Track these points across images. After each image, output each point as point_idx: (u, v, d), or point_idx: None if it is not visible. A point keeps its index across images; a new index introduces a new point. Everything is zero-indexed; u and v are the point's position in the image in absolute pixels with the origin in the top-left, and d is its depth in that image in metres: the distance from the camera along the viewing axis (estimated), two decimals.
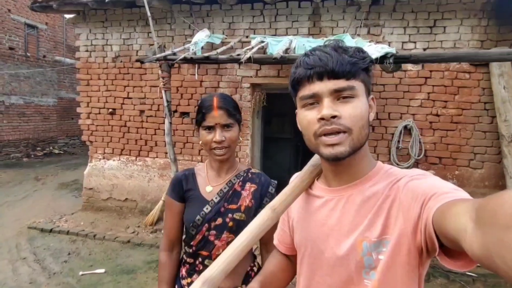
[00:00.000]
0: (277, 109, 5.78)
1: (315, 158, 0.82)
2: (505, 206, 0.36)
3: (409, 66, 3.87)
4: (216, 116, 1.10)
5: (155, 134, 4.67)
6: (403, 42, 3.92)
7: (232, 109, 1.13)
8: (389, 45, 3.81)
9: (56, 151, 10.44)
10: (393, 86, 3.96)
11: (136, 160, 4.78)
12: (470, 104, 3.83)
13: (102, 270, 3.27)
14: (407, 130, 3.94)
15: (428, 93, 3.90)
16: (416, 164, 3.97)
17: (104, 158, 4.90)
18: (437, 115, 3.90)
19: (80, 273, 3.22)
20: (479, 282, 3.12)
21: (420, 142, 3.90)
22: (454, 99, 3.85)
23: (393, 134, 3.98)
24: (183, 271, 1.20)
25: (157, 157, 4.69)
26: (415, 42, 3.89)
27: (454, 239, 0.46)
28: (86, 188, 4.96)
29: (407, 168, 3.91)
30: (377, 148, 4.07)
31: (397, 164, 3.93)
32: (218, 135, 1.10)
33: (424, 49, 3.86)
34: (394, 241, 0.63)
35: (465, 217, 0.44)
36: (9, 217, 4.77)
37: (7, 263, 3.44)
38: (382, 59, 2.69)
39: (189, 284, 1.16)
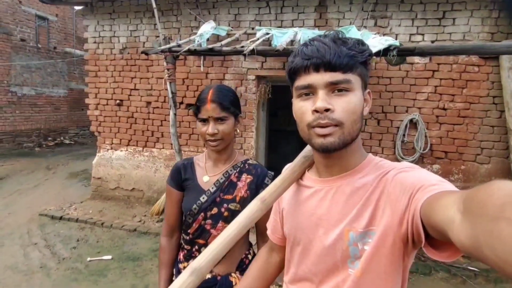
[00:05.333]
0: (283, 102, 5.76)
1: (307, 149, 0.83)
2: (493, 197, 0.36)
3: (416, 59, 3.81)
4: (209, 109, 1.11)
5: (161, 125, 4.73)
6: (410, 34, 3.85)
7: (226, 102, 1.13)
8: (396, 37, 3.76)
9: (67, 141, 10.64)
10: (399, 79, 3.92)
11: (143, 150, 4.86)
12: (478, 98, 3.76)
13: (109, 257, 3.38)
14: (413, 123, 3.90)
15: (435, 86, 3.84)
16: (421, 158, 3.95)
17: (112, 148, 5.00)
18: (444, 108, 3.85)
19: (88, 259, 3.33)
20: (481, 277, 3.11)
21: (425, 136, 3.86)
22: (462, 93, 3.79)
23: (398, 127, 3.95)
24: (181, 256, 1.26)
25: (163, 148, 4.76)
26: (423, 34, 3.82)
27: (442, 230, 0.47)
28: (95, 177, 5.07)
29: (412, 162, 3.89)
30: (382, 142, 4.05)
31: (402, 158, 3.91)
32: (210, 128, 1.12)
33: (432, 42, 3.79)
34: (380, 232, 0.64)
35: (453, 208, 0.44)
36: (21, 204, 4.93)
37: (19, 248, 3.58)
38: (386, 51, 2.66)
39: (185, 267, 1.21)
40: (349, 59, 0.66)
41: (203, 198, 1.17)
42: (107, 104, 4.94)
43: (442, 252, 0.55)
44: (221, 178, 1.19)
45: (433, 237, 0.54)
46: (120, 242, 3.74)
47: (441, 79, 3.82)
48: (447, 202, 0.48)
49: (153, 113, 4.75)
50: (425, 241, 0.56)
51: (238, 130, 1.21)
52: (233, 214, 1.13)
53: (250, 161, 1.25)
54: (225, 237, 0.72)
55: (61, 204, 4.86)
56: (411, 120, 3.89)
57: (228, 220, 1.14)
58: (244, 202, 1.15)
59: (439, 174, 4.00)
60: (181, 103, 4.55)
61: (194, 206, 1.16)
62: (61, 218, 4.36)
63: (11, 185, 5.87)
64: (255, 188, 1.18)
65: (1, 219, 4.34)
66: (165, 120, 4.67)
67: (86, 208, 4.72)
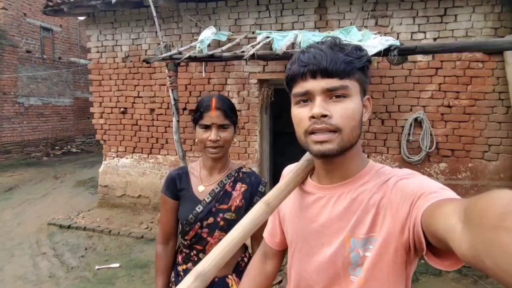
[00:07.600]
0: (287, 104, 5.75)
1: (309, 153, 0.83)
2: (493, 207, 0.36)
3: (418, 57, 3.78)
4: (213, 116, 1.14)
5: (165, 132, 4.76)
6: (412, 33, 3.82)
7: (229, 110, 1.16)
8: (397, 36, 3.74)
9: (74, 150, 10.77)
10: (402, 78, 3.88)
11: (148, 157, 4.89)
12: (483, 94, 3.71)
13: (117, 265, 3.40)
14: (418, 122, 3.86)
15: (439, 84, 3.80)
16: (427, 157, 3.90)
17: (117, 156, 5.04)
18: (449, 106, 3.80)
19: (96, 267, 3.35)
20: None
21: (431, 135, 3.82)
22: (467, 90, 3.75)
23: (403, 127, 3.91)
24: (179, 258, 1.27)
25: (168, 154, 4.78)
26: (424, 32, 3.78)
27: (442, 238, 0.47)
28: (101, 185, 5.11)
29: (418, 161, 3.86)
30: (387, 142, 4.02)
31: (408, 158, 3.87)
32: (213, 134, 1.14)
33: (435, 39, 3.75)
34: (381, 240, 0.64)
35: (453, 217, 0.44)
36: (30, 214, 4.99)
37: (28, 258, 3.62)
38: (387, 51, 2.64)
39: (184, 270, 1.23)
40: (346, 66, 0.66)
41: (199, 208, 1.18)
42: (111, 112, 4.99)
43: (444, 260, 0.54)
44: (216, 188, 1.20)
45: (434, 245, 0.53)
46: (128, 250, 3.76)
47: (445, 76, 3.78)
48: (448, 210, 0.47)
49: (157, 120, 4.78)
50: (427, 249, 0.55)
51: (235, 140, 1.22)
52: (229, 223, 1.14)
53: (243, 169, 1.27)
54: (230, 240, 0.71)
55: (69, 213, 4.91)
56: (415, 119, 3.85)
57: (224, 229, 1.15)
58: (239, 212, 1.16)
59: (446, 173, 3.94)
60: (184, 109, 4.57)
61: (190, 216, 1.18)
62: (69, 227, 4.40)
63: (20, 195, 5.94)
64: (250, 197, 1.20)
65: (11, 229, 4.40)
66: (169, 126, 4.69)
67: (93, 216, 4.75)
